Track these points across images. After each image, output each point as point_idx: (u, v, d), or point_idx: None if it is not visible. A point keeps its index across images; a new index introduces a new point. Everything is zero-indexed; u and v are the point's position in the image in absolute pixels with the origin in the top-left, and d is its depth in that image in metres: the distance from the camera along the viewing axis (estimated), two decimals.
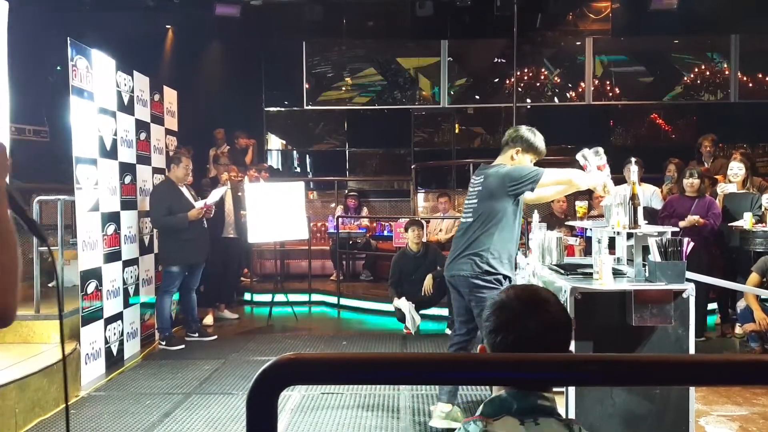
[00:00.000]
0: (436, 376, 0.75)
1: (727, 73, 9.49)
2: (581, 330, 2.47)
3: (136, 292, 4.93)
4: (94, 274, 4.28)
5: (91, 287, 4.23)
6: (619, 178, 6.39)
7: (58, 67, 7.50)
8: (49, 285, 5.08)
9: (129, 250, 4.82)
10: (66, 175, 4.55)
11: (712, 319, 5.30)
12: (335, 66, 9.95)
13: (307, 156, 10.49)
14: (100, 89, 4.44)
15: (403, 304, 5.22)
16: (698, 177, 4.88)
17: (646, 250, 2.77)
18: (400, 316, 5.30)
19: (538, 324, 1.09)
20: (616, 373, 0.70)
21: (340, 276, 7.07)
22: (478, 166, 3.34)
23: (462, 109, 10.01)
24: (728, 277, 4.66)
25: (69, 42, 4.08)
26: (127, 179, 4.85)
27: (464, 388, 3.86)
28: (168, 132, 5.79)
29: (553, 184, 3.05)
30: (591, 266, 2.94)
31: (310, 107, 9.80)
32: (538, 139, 3.09)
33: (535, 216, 3.68)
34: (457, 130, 10.01)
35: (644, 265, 2.80)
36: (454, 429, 3.11)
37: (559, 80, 9.86)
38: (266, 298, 6.38)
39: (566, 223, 5.32)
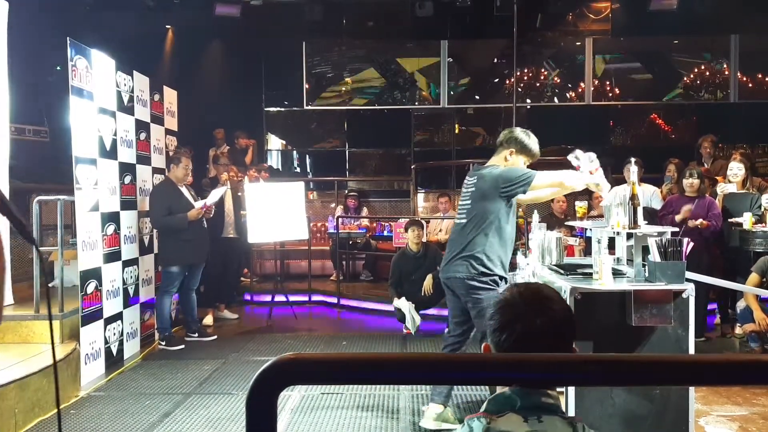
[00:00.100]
0: (435, 376, 0.75)
1: (726, 73, 9.49)
2: (581, 330, 2.45)
3: (136, 293, 4.93)
4: (94, 274, 4.28)
5: (91, 287, 4.23)
6: (619, 179, 6.41)
7: (58, 67, 7.50)
8: (49, 285, 5.08)
9: (129, 250, 4.82)
10: (66, 175, 4.55)
11: (712, 320, 5.30)
12: (335, 66, 9.95)
13: (307, 156, 10.50)
14: (99, 89, 4.44)
15: (403, 304, 5.22)
16: (698, 177, 4.89)
17: (645, 250, 2.77)
18: (400, 316, 5.30)
19: (542, 321, 1.09)
20: (616, 373, 0.70)
21: (340, 276, 7.07)
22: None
23: (462, 109, 10.01)
24: (728, 278, 4.66)
25: (69, 42, 4.07)
26: (127, 179, 4.85)
27: (462, 388, 3.87)
28: (168, 132, 5.79)
29: (546, 186, 3.05)
30: (591, 266, 2.95)
31: (310, 107, 9.80)
32: (532, 141, 3.09)
33: (535, 216, 3.68)
34: (457, 131, 10.01)
35: (644, 266, 2.80)
36: (444, 430, 3.12)
37: (558, 80, 9.86)
38: (266, 298, 6.38)
39: (566, 223, 5.32)
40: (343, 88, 9.93)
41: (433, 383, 2.99)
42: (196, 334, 5.26)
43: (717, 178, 5.54)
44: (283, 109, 10.12)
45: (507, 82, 9.70)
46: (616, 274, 2.87)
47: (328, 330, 5.83)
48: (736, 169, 5.05)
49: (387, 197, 9.28)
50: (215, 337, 5.33)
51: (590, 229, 3.55)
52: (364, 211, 8.07)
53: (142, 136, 5.18)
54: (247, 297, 6.89)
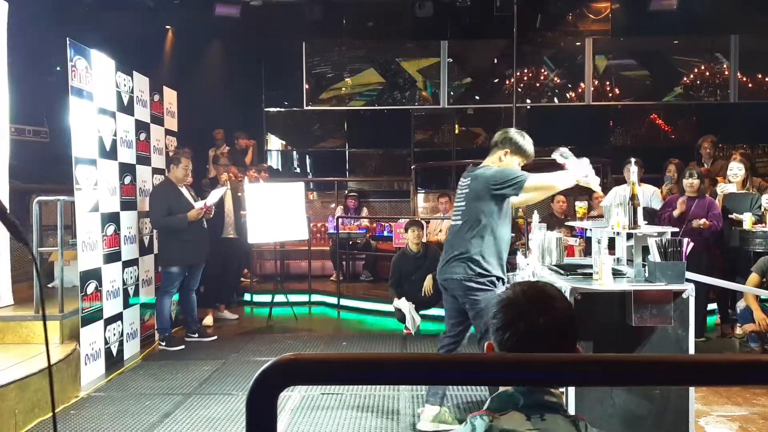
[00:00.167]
0: (435, 376, 0.75)
1: (726, 73, 9.50)
2: (581, 330, 2.47)
3: (136, 293, 4.93)
4: (94, 274, 4.28)
5: (91, 288, 4.22)
6: (619, 179, 6.41)
7: (58, 68, 7.51)
8: (49, 286, 5.08)
9: (129, 251, 4.82)
10: (66, 175, 4.55)
11: (712, 320, 5.30)
12: (335, 66, 9.95)
13: (307, 156, 10.50)
14: (99, 89, 4.44)
15: (403, 304, 5.22)
16: (698, 177, 4.89)
17: (645, 250, 2.77)
18: (400, 316, 5.30)
19: (545, 320, 1.08)
20: (616, 374, 0.70)
21: (340, 276, 7.07)
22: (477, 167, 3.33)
23: (462, 109, 10.01)
24: (728, 278, 4.66)
25: (68, 42, 4.07)
26: (127, 180, 4.85)
27: (461, 388, 3.87)
28: (168, 132, 5.79)
29: (538, 189, 3.04)
30: (591, 266, 2.95)
31: (310, 107, 9.81)
32: (526, 142, 3.09)
33: (535, 216, 3.68)
34: (456, 131, 10.01)
35: (644, 266, 2.80)
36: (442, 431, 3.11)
37: (558, 80, 9.87)
38: (266, 298, 6.38)
39: (566, 223, 5.32)
40: (343, 89, 9.93)
41: (432, 383, 2.99)
42: (196, 335, 5.25)
43: (717, 179, 5.54)
44: (283, 110, 10.12)
45: (507, 82, 9.71)
46: (616, 274, 2.87)
47: (328, 330, 5.83)
48: (736, 169, 5.05)
49: (387, 197, 9.28)
50: (215, 337, 5.33)
51: (590, 230, 3.55)
52: (364, 212, 8.07)
53: (142, 136, 5.18)
54: (247, 297, 6.88)
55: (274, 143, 10.38)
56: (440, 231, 7.09)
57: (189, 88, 7.20)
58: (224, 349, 4.97)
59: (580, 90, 9.68)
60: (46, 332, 1.05)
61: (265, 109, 9.84)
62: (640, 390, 2.56)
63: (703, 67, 9.63)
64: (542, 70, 9.83)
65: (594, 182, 2.99)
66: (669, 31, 8.92)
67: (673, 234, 2.86)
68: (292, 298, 6.29)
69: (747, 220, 4.69)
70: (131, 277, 4.85)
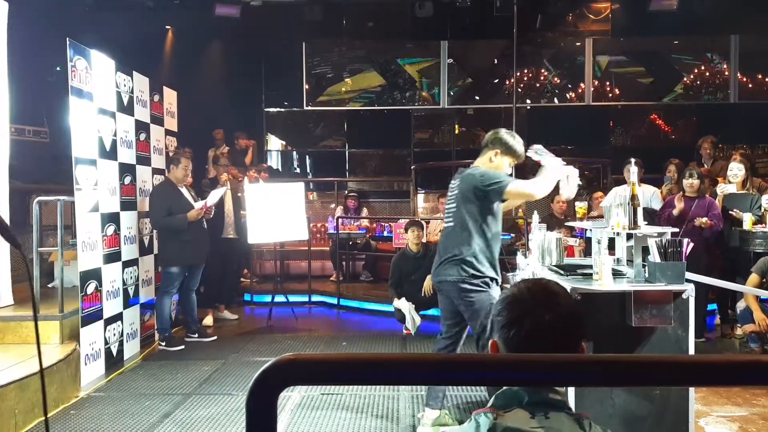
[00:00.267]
0: (435, 376, 0.75)
1: (726, 73, 9.50)
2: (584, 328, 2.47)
3: (136, 293, 4.93)
4: (94, 274, 4.28)
5: (91, 288, 4.22)
6: (619, 179, 6.41)
7: (58, 68, 7.51)
8: (49, 286, 5.08)
9: (129, 251, 4.82)
10: (66, 175, 4.55)
11: (712, 320, 5.29)
12: (335, 67, 9.96)
13: (307, 156, 10.50)
14: (99, 90, 4.44)
15: (403, 304, 5.22)
16: (698, 177, 4.89)
17: (645, 250, 2.77)
18: (400, 316, 5.30)
19: (551, 317, 1.08)
20: (616, 374, 0.70)
21: (339, 277, 7.07)
22: None
23: (462, 109, 10.01)
24: (728, 278, 4.66)
25: (68, 42, 4.07)
26: (127, 180, 4.85)
27: (461, 388, 3.87)
28: (168, 132, 5.79)
29: (519, 195, 3.06)
30: (591, 267, 2.95)
31: (310, 108, 9.81)
32: (517, 143, 3.09)
33: (535, 217, 3.68)
34: (456, 131, 10.01)
35: (644, 266, 2.80)
36: None
37: (558, 81, 9.87)
38: (266, 298, 6.38)
39: (566, 223, 5.32)
40: (343, 89, 9.93)
41: (432, 383, 2.99)
42: (196, 335, 5.25)
43: (718, 179, 5.54)
44: (282, 110, 10.12)
45: (507, 82, 9.71)
46: (616, 274, 2.87)
47: (328, 331, 5.83)
48: (736, 169, 5.05)
49: (387, 198, 9.28)
50: (215, 337, 5.33)
51: (590, 230, 3.55)
52: (364, 212, 8.07)
53: (142, 136, 5.18)
54: (247, 297, 6.88)
55: (274, 143, 10.38)
56: (440, 231, 7.08)
57: (189, 89, 7.20)
58: (224, 349, 4.97)
59: (580, 90, 9.68)
60: (38, 336, 1.05)
61: (265, 110, 9.84)
62: (640, 390, 2.56)
63: (703, 68, 9.63)
64: (542, 71, 9.83)
65: (573, 181, 3.00)
66: (669, 31, 8.92)
67: (673, 234, 2.86)
68: (292, 298, 6.29)
69: (747, 220, 4.69)
70: (131, 278, 4.85)
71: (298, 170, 10.45)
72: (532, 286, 1.14)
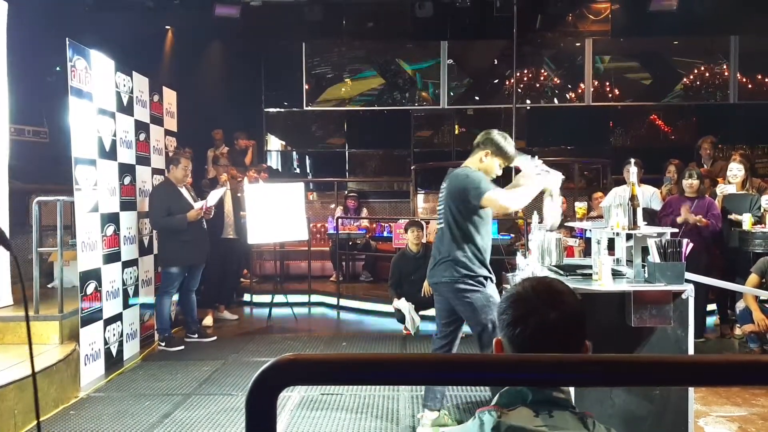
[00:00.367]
0: (434, 376, 0.75)
1: (726, 74, 9.50)
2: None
3: (136, 293, 4.93)
4: (94, 275, 4.28)
5: (91, 288, 4.22)
6: (618, 179, 6.41)
7: (57, 68, 7.50)
8: (49, 286, 5.08)
9: (128, 251, 4.82)
10: (65, 175, 4.54)
11: (712, 320, 5.30)
12: (335, 67, 9.96)
13: (307, 157, 10.50)
14: (99, 90, 4.44)
15: (403, 304, 5.22)
16: (697, 177, 4.89)
17: (645, 251, 2.77)
18: (399, 317, 5.30)
19: (556, 315, 1.08)
20: (616, 374, 0.70)
21: (339, 277, 7.07)
22: None
23: (462, 109, 10.02)
24: (727, 278, 4.66)
25: (68, 42, 4.07)
26: (127, 180, 4.84)
27: (462, 389, 3.87)
28: (167, 133, 5.79)
29: (496, 206, 3.00)
30: (590, 267, 2.95)
31: (309, 108, 9.81)
32: (508, 144, 3.09)
33: (535, 217, 3.68)
34: (456, 131, 10.01)
35: (643, 266, 2.80)
36: None
37: (558, 81, 9.87)
38: (266, 299, 6.38)
39: (565, 224, 5.31)
40: (343, 89, 9.94)
41: (432, 383, 2.99)
42: (196, 335, 5.25)
43: (718, 180, 5.54)
44: (282, 110, 10.12)
45: (507, 82, 9.71)
46: (616, 274, 2.87)
47: (328, 331, 5.83)
48: (736, 170, 5.05)
49: (387, 198, 9.28)
50: (215, 338, 5.33)
51: (590, 230, 3.55)
52: (364, 212, 8.07)
53: (142, 136, 5.18)
54: (247, 298, 6.88)
55: (274, 144, 10.39)
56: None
57: (189, 89, 7.20)
58: (224, 349, 4.97)
59: (580, 90, 9.69)
60: (30, 337, 1.04)
61: (265, 110, 9.84)
62: (639, 390, 2.56)
63: (702, 68, 9.64)
64: (542, 71, 9.83)
65: (555, 184, 3.00)
66: (669, 31, 8.93)
67: (673, 234, 2.86)
68: (292, 298, 6.29)
69: (746, 220, 4.69)
70: (131, 278, 4.85)
71: (297, 170, 10.45)
72: (536, 284, 1.13)
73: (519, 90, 9.12)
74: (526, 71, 9.69)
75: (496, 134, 3.11)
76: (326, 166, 10.03)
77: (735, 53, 9.34)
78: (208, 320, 5.79)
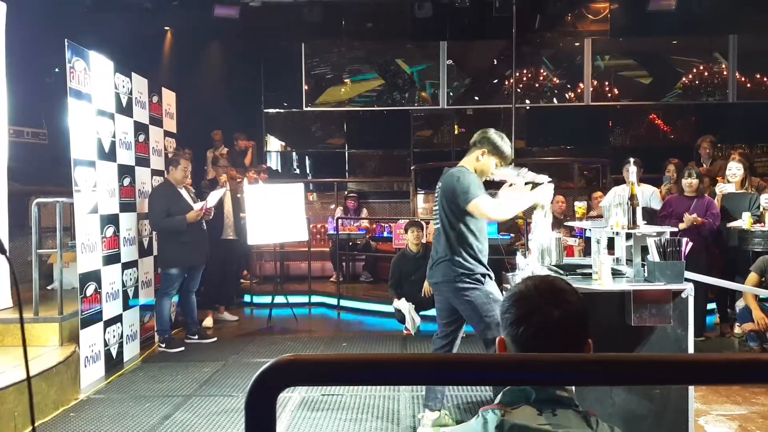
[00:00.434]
0: (434, 376, 0.75)
1: (725, 73, 9.51)
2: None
3: (136, 295, 4.93)
4: (94, 276, 4.28)
5: (91, 290, 4.22)
6: (618, 179, 6.40)
7: (56, 69, 7.50)
8: (48, 288, 5.08)
9: (128, 253, 4.82)
10: (65, 177, 4.54)
11: (712, 319, 5.30)
12: (334, 67, 9.96)
13: (307, 157, 10.50)
14: (98, 91, 4.43)
15: (403, 305, 5.22)
16: (697, 177, 4.89)
17: (645, 250, 2.78)
18: (400, 317, 5.30)
19: (560, 313, 1.08)
20: (616, 373, 0.70)
21: (339, 277, 7.07)
22: None
23: (461, 110, 10.02)
24: (727, 277, 4.66)
25: (67, 44, 4.07)
26: (126, 181, 4.84)
27: (460, 389, 3.87)
28: (167, 134, 5.79)
29: (479, 213, 2.97)
30: (590, 266, 2.95)
31: (309, 108, 9.81)
32: (504, 144, 3.09)
33: (534, 217, 3.68)
34: (456, 131, 10.02)
35: (643, 266, 2.80)
36: None
37: (558, 81, 9.87)
38: (266, 299, 6.37)
39: (565, 223, 5.32)
40: (342, 89, 9.94)
41: (432, 383, 2.99)
42: (196, 336, 5.25)
43: (717, 179, 5.54)
44: (282, 111, 10.13)
45: (506, 82, 9.72)
46: (616, 274, 2.87)
47: (328, 331, 5.83)
48: (735, 169, 5.05)
49: (387, 198, 9.28)
50: (215, 339, 5.32)
51: (589, 230, 3.55)
52: (364, 213, 8.07)
53: (141, 137, 5.18)
54: (247, 299, 6.88)
55: (274, 144, 10.38)
56: None
57: (188, 90, 7.20)
58: (224, 350, 4.97)
59: (579, 90, 9.69)
60: (24, 344, 1.04)
61: (265, 110, 9.84)
62: (639, 389, 2.57)
63: (701, 67, 9.64)
64: (541, 71, 9.84)
65: (547, 199, 3.00)
66: (668, 31, 8.93)
67: (672, 234, 2.86)
68: (292, 299, 6.29)
69: (746, 219, 4.69)
70: (131, 279, 4.84)
71: (297, 171, 10.45)
72: (539, 283, 1.13)
73: (518, 90, 9.12)
74: (525, 71, 9.69)
75: (493, 133, 3.11)
76: (326, 167, 10.03)
77: (734, 52, 9.35)
78: (208, 321, 5.79)
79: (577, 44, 9.62)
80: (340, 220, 7.31)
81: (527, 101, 9.77)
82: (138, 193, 5.04)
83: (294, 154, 10.54)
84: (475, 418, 1.04)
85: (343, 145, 10.04)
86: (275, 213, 5.74)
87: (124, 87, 4.88)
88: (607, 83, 9.75)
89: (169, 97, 5.87)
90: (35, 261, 4.21)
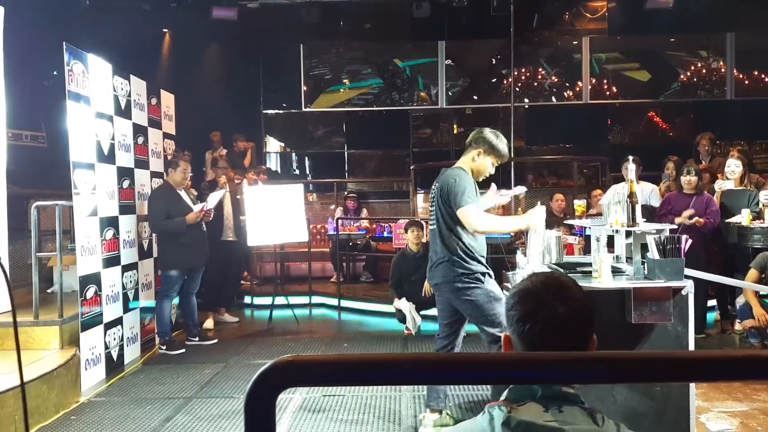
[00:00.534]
0: (435, 376, 0.75)
1: (723, 70, 9.51)
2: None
3: (136, 297, 4.92)
4: (94, 279, 4.28)
5: (91, 292, 4.22)
6: (617, 177, 6.40)
7: (55, 72, 7.50)
8: (48, 291, 5.08)
9: (128, 255, 4.81)
10: (64, 180, 4.54)
11: (712, 316, 5.30)
12: (333, 68, 9.96)
13: (306, 158, 10.50)
14: (96, 94, 4.43)
15: (404, 304, 5.22)
16: (696, 174, 4.89)
17: (644, 247, 2.77)
18: (400, 317, 5.30)
19: (566, 309, 1.08)
20: (617, 371, 0.70)
21: (340, 278, 7.07)
22: None
23: (460, 109, 10.02)
24: (727, 274, 4.66)
25: (65, 46, 4.07)
26: (125, 184, 4.84)
27: (461, 388, 3.87)
28: (166, 136, 5.79)
29: (466, 222, 2.95)
30: (590, 264, 2.95)
31: (308, 109, 9.81)
32: (500, 143, 3.09)
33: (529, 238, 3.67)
34: (455, 131, 10.02)
35: (643, 263, 2.80)
36: None
37: (556, 80, 9.87)
38: (266, 301, 6.37)
39: (565, 221, 5.32)
40: (342, 89, 9.93)
41: (433, 383, 2.99)
42: (197, 338, 5.25)
43: (716, 176, 5.54)
44: (281, 112, 10.12)
45: (505, 81, 9.71)
46: (616, 271, 2.87)
47: (329, 332, 5.83)
48: (734, 165, 5.05)
49: (386, 198, 9.28)
50: (216, 340, 5.32)
51: (589, 228, 3.55)
52: (364, 213, 8.07)
53: (140, 140, 5.18)
54: (248, 300, 6.88)
55: (273, 145, 10.38)
56: None
57: (187, 91, 7.20)
58: (225, 352, 4.96)
59: (577, 89, 9.69)
60: (18, 348, 1.03)
61: (264, 111, 9.84)
62: (640, 387, 2.56)
63: (699, 65, 9.64)
64: (540, 70, 9.84)
65: (540, 223, 3.03)
66: (665, 29, 8.94)
67: (672, 231, 2.86)
68: (293, 300, 6.28)
69: (745, 216, 4.70)
70: (131, 281, 4.84)
71: (297, 172, 10.45)
72: (544, 279, 1.13)
73: (517, 89, 9.12)
74: (523, 70, 9.69)
75: (488, 132, 3.11)
76: (325, 167, 10.02)
77: (731, 50, 9.35)
78: (208, 323, 5.79)
79: (575, 43, 9.63)
80: (340, 221, 7.30)
81: (526, 100, 9.77)
82: (137, 196, 5.04)
83: (293, 154, 10.54)
84: (481, 414, 1.04)
85: (343, 146, 10.03)
86: (275, 214, 5.74)
87: (122, 89, 4.88)
88: (605, 81, 9.75)
89: (168, 99, 5.87)
90: (35, 264, 4.21)
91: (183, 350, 5.01)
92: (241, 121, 8.80)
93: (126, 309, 4.72)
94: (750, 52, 9.35)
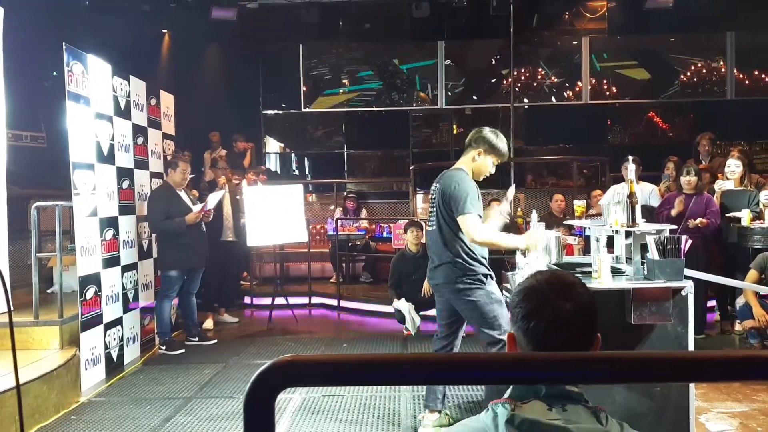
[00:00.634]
0: (434, 376, 0.75)
1: (723, 70, 9.51)
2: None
3: (136, 297, 4.93)
4: (93, 279, 4.28)
5: (90, 293, 4.22)
6: (617, 177, 6.40)
7: (55, 73, 7.50)
8: (48, 291, 5.08)
9: (128, 255, 4.81)
10: (63, 180, 4.54)
11: (712, 317, 5.30)
12: (333, 68, 9.96)
13: (306, 158, 10.50)
14: (96, 94, 4.43)
15: (403, 305, 5.22)
16: (695, 174, 4.89)
17: (644, 248, 2.77)
18: (400, 317, 5.30)
19: (571, 307, 1.08)
20: (617, 371, 0.70)
21: (339, 278, 7.07)
22: None
23: (459, 109, 10.02)
24: (727, 274, 4.66)
25: (65, 47, 4.07)
26: (125, 184, 4.84)
27: (462, 388, 3.87)
28: (165, 136, 5.79)
29: (464, 228, 2.94)
30: (590, 265, 2.95)
31: (307, 110, 9.81)
32: (500, 142, 3.08)
33: (534, 215, 3.68)
34: (455, 131, 10.02)
35: (643, 263, 2.80)
36: None
37: (556, 80, 9.88)
38: (266, 301, 6.37)
39: (565, 222, 5.32)
40: (341, 90, 9.93)
41: (432, 383, 2.99)
42: (197, 338, 5.25)
43: (717, 176, 5.55)
44: (280, 112, 10.12)
45: (504, 82, 9.72)
46: (615, 272, 2.87)
47: (329, 332, 5.83)
48: (734, 166, 5.05)
49: (386, 198, 9.28)
50: (215, 341, 5.32)
51: (589, 228, 3.54)
52: (363, 213, 8.07)
53: (140, 140, 5.18)
54: (247, 300, 6.88)
55: (272, 146, 10.38)
56: None
57: (186, 92, 7.20)
58: (225, 352, 4.96)
59: (577, 89, 9.69)
60: (14, 348, 1.03)
61: (263, 112, 9.84)
62: (640, 387, 2.56)
63: (699, 65, 9.65)
64: (539, 70, 9.84)
65: (539, 243, 3.05)
66: (665, 29, 8.94)
67: (672, 231, 2.86)
68: (292, 300, 6.28)
69: (745, 216, 4.70)
70: (130, 282, 4.84)
71: (296, 172, 10.45)
72: (549, 277, 1.13)
73: (516, 89, 9.13)
74: (523, 70, 9.69)
75: (488, 131, 3.10)
76: (325, 168, 10.02)
77: (731, 49, 9.35)
78: (208, 323, 5.79)
79: (574, 42, 9.63)
80: (339, 221, 7.31)
81: (525, 100, 9.77)
82: (137, 196, 5.04)
83: (293, 155, 10.54)
84: (485, 411, 1.04)
85: (342, 146, 10.03)
86: (274, 214, 5.74)
87: (122, 90, 4.88)
88: (605, 81, 9.76)
89: (167, 100, 5.87)
90: (35, 265, 4.21)
91: (183, 350, 5.01)
92: (240, 121, 8.80)
93: (126, 309, 4.72)
94: (750, 52, 9.35)
